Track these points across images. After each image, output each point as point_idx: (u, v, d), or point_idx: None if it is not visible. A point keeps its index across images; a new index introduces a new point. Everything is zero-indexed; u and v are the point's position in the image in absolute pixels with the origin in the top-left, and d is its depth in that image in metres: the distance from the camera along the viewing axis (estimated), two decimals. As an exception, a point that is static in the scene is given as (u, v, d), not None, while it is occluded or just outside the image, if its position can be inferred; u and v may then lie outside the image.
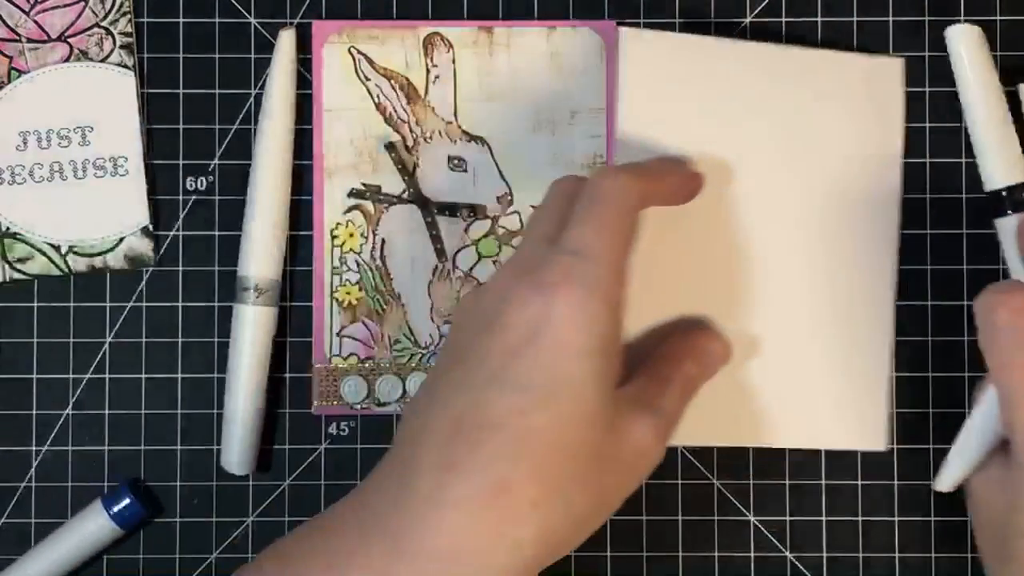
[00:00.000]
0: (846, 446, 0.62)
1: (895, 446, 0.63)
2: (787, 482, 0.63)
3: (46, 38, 0.63)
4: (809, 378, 0.61)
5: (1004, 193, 0.60)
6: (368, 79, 0.63)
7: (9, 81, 0.62)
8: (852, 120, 0.61)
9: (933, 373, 0.63)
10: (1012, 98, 0.61)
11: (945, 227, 0.63)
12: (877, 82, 0.62)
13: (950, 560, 0.63)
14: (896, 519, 0.63)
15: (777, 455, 0.63)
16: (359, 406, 0.63)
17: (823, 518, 0.63)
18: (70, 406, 0.63)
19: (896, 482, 0.63)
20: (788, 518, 0.63)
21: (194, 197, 0.63)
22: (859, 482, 0.63)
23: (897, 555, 0.63)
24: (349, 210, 0.63)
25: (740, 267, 0.61)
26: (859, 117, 0.61)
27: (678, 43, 0.61)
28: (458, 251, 0.63)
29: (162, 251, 0.63)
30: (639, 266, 0.59)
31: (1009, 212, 0.60)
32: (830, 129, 0.61)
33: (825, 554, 0.63)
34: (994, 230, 0.62)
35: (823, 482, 0.63)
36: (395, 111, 0.63)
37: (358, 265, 0.63)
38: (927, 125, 0.63)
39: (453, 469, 0.47)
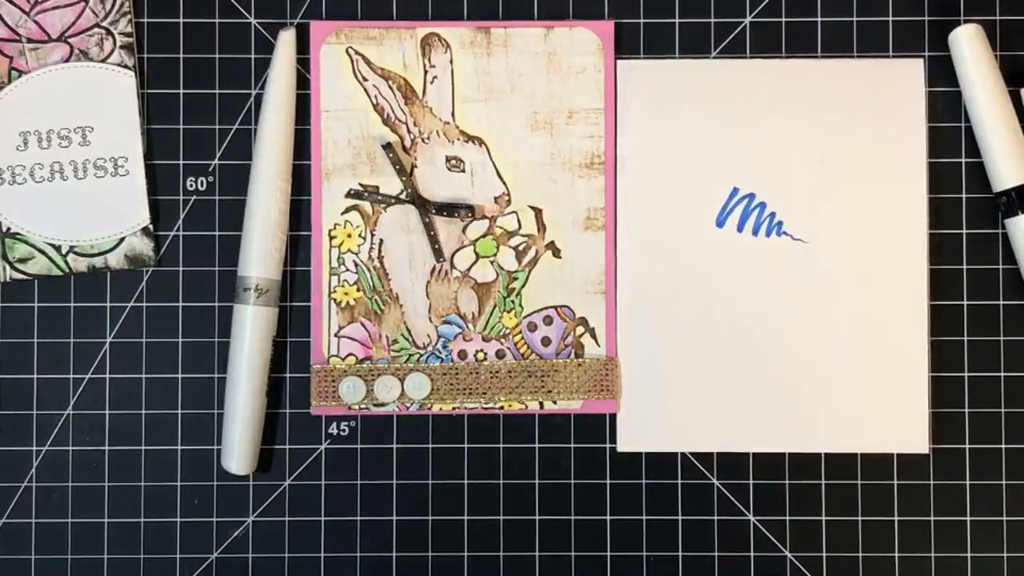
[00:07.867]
0: (888, 449, 0.62)
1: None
2: (787, 482, 0.63)
3: (46, 38, 0.63)
4: (847, 382, 0.62)
5: (1014, 193, 0.60)
6: (366, 79, 0.63)
7: (9, 81, 0.62)
8: (876, 123, 0.62)
9: (932, 373, 0.63)
10: (1013, 98, 0.61)
11: (951, 227, 0.63)
12: (899, 83, 0.62)
13: (950, 560, 0.63)
14: (896, 519, 0.63)
15: (777, 455, 0.63)
16: (357, 406, 0.63)
17: (823, 518, 0.63)
18: (70, 406, 0.63)
19: (896, 482, 0.63)
20: (788, 518, 0.63)
21: (194, 197, 0.63)
22: (859, 482, 0.63)
23: (897, 555, 0.63)
24: (347, 210, 0.63)
25: (773, 274, 0.62)
26: (883, 119, 0.62)
27: (685, 67, 0.63)
28: (456, 251, 0.63)
29: (162, 251, 0.63)
30: (679, 275, 0.60)
31: (1020, 212, 0.60)
32: (856, 134, 0.62)
33: (825, 554, 0.63)
34: (997, 229, 0.62)
35: (823, 482, 0.63)
36: (393, 111, 0.63)
37: (356, 265, 0.63)
38: (926, 125, 0.63)
39: None
